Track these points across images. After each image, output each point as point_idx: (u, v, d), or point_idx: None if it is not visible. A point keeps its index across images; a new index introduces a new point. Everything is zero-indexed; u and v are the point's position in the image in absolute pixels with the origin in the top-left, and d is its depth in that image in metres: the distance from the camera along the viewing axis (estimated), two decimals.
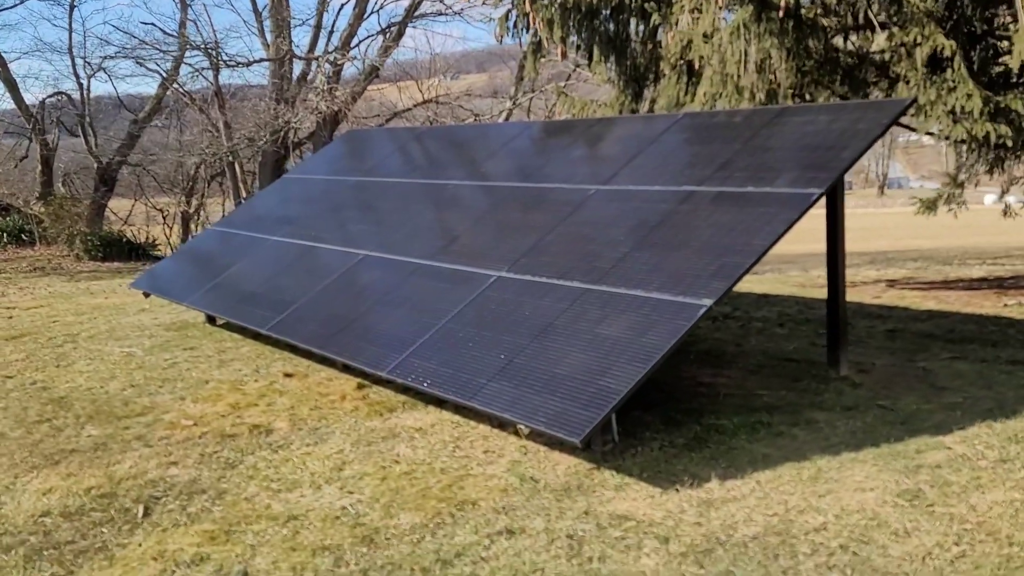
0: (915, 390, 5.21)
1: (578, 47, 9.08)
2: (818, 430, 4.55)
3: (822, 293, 9.20)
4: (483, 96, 25.52)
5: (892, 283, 10.05)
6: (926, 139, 11.77)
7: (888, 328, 7.07)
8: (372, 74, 23.46)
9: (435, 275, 5.95)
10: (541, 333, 4.67)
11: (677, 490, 3.82)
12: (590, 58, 9.37)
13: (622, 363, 4.11)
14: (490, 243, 6.00)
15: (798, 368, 5.88)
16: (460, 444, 4.74)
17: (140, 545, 3.72)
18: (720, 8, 6.80)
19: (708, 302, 4.25)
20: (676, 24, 7.78)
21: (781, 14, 6.71)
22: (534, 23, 9.00)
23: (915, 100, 5.51)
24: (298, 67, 23.29)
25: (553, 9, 8.66)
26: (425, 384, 4.80)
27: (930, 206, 10.31)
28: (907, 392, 5.16)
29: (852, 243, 6.27)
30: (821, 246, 5.63)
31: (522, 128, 7.85)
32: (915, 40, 6.58)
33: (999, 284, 9.64)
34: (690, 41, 7.62)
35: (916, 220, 10.86)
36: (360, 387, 6.01)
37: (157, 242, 20.55)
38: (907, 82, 6.63)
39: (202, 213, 26.76)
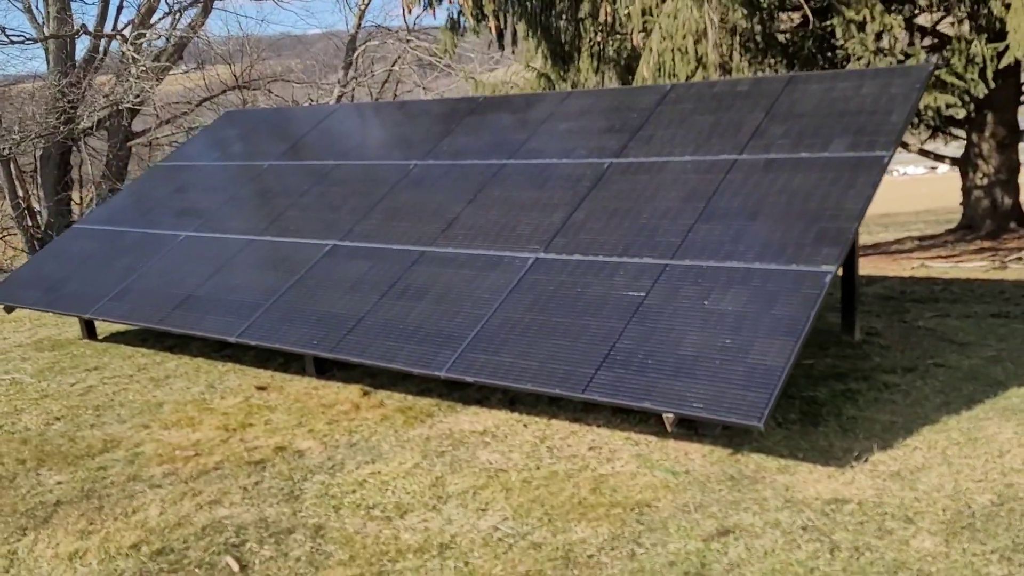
0: (944, 347, 5.38)
1: (502, 21, 8.65)
2: (907, 393, 4.54)
3: None
4: (300, 83, 24.02)
5: None
6: None
7: None
8: (178, 52, 21.47)
9: (449, 261, 5.35)
10: (636, 314, 4.29)
11: (852, 466, 3.63)
12: (500, 36, 8.98)
13: (763, 338, 3.85)
14: (503, 223, 5.49)
15: (810, 336, 5.90)
16: (551, 444, 4.26)
17: None
18: None
19: (830, 268, 4.08)
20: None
21: None
22: None
23: (937, 65, 5.72)
24: (81, 47, 20.80)
25: None
26: (509, 381, 4.26)
27: None
28: (940, 350, 5.33)
29: None
30: None
31: (472, 103, 7.31)
32: (863, 19, 6.84)
33: (885, 251, 10.42)
34: (636, 12, 7.45)
35: None
36: (365, 393, 5.30)
37: None
38: (859, 58, 6.88)
39: None
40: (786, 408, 4.40)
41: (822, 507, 3.26)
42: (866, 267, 9.05)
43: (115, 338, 7.40)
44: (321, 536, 3.46)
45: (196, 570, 3.23)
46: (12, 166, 21.61)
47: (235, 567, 3.24)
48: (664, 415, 3.76)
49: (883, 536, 3.00)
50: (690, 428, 4.16)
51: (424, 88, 20.91)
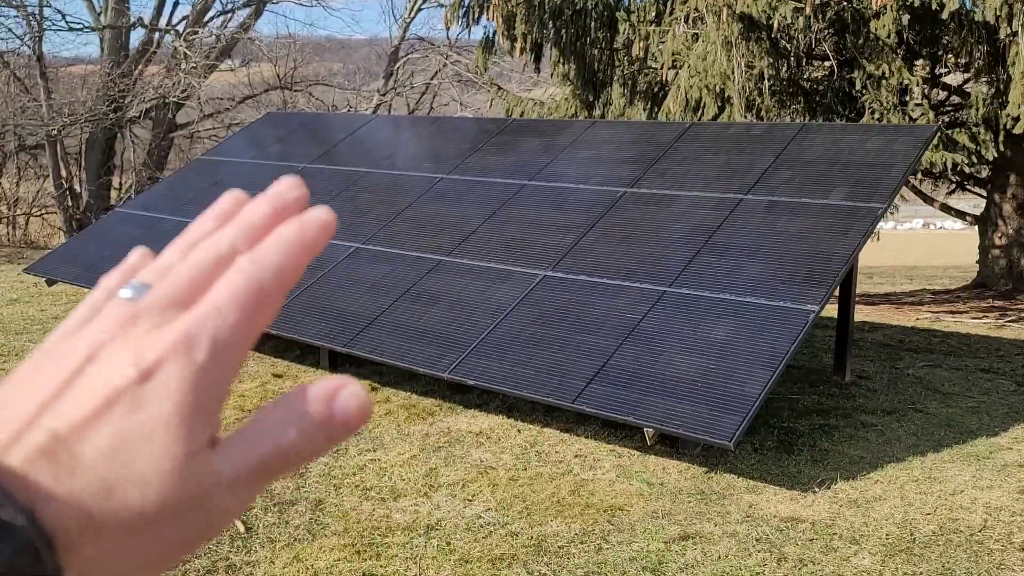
0: (927, 395, 5.62)
1: (534, 46, 9.01)
2: (882, 433, 4.80)
3: None
4: (341, 88, 24.62)
5: None
6: None
7: None
8: (228, 51, 22.19)
9: (464, 272, 5.69)
10: (631, 335, 4.59)
11: (815, 491, 3.90)
12: (534, 58, 9.35)
13: (744, 367, 4.13)
14: (517, 240, 5.82)
15: (802, 374, 6.17)
16: (540, 449, 4.56)
17: (274, 562, 3.27)
18: (725, 22, 7.00)
19: (814, 307, 4.36)
20: (651, 35, 7.92)
21: (772, 33, 7.04)
22: (493, 18, 8.83)
23: (939, 128, 6.02)
24: (135, 38, 21.54)
25: (514, 5, 8.54)
26: (507, 387, 4.57)
27: None
28: (923, 397, 5.57)
29: None
30: None
31: (500, 124, 7.67)
32: (883, 73, 7.13)
33: (897, 301, 10.61)
34: (667, 51, 7.78)
35: None
36: (373, 389, 5.64)
37: None
38: (872, 112, 7.17)
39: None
40: (765, 436, 4.68)
41: (779, 524, 3.54)
42: (873, 315, 9.26)
43: None
44: (320, 510, 3.79)
45: None
46: (59, 147, 22.37)
47: (241, 528, 3.57)
48: (645, 429, 4.05)
49: (828, 552, 3.27)
50: (672, 445, 4.44)
51: (461, 103, 21.39)
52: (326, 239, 0.34)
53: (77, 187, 21.86)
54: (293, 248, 0.33)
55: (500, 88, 10.50)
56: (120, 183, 23.41)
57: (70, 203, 21.19)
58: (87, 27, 19.30)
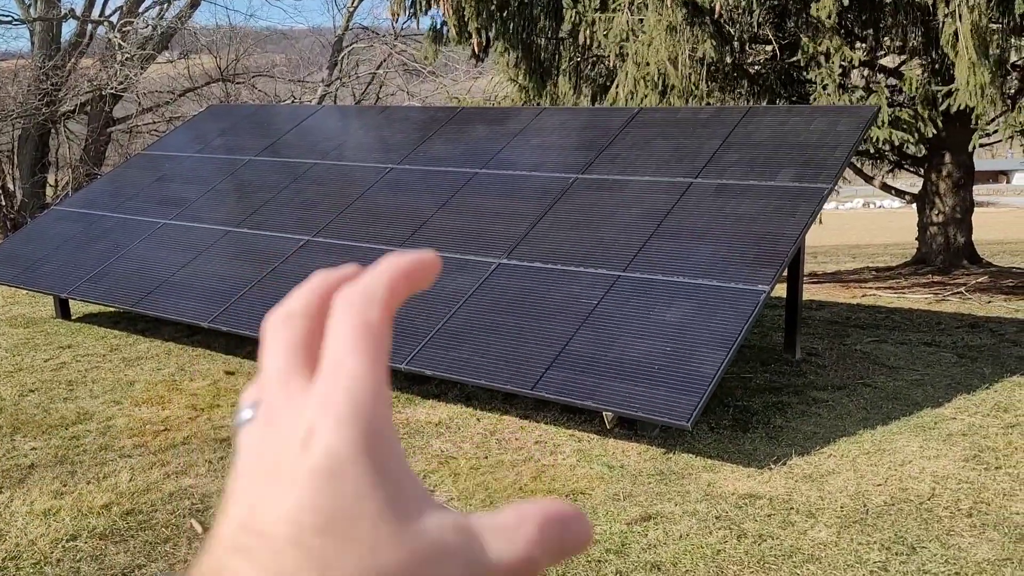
0: (875, 370, 5.77)
1: (483, 37, 8.97)
2: (833, 408, 4.91)
3: None
4: (284, 79, 24.21)
5: None
6: None
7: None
8: (165, 41, 21.65)
9: None
10: (587, 320, 4.62)
11: (771, 468, 3.98)
12: (483, 51, 9.31)
13: (699, 348, 4.19)
14: (471, 229, 5.81)
15: (754, 353, 6.28)
16: (500, 436, 4.57)
17: None
18: (669, 8, 7.04)
19: (765, 287, 4.44)
20: (597, 23, 7.95)
21: (716, 17, 7.11)
22: (443, 10, 8.76)
23: (880, 108, 6.15)
24: (67, 30, 20.90)
25: None
26: (465, 375, 4.57)
27: None
28: (870, 372, 5.71)
29: None
30: None
31: (450, 112, 7.63)
32: (825, 51, 7.26)
33: (842, 279, 10.86)
34: (613, 37, 7.82)
35: None
36: None
37: None
38: (824, 88, 7.30)
39: None
40: (720, 415, 4.76)
41: (737, 501, 3.61)
42: (820, 293, 9.47)
43: (88, 319, 7.61)
44: None
45: (163, 530, 3.50)
46: None
47: (199, 529, 3.51)
48: (604, 413, 4.08)
49: (786, 527, 3.35)
50: (630, 428, 4.49)
51: (407, 92, 21.23)
52: (425, 270, 0.33)
53: (11, 185, 21.17)
54: (389, 280, 0.31)
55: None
56: (56, 180, 22.74)
57: (4, 202, 20.52)
58: (16, 20, 18.65)
